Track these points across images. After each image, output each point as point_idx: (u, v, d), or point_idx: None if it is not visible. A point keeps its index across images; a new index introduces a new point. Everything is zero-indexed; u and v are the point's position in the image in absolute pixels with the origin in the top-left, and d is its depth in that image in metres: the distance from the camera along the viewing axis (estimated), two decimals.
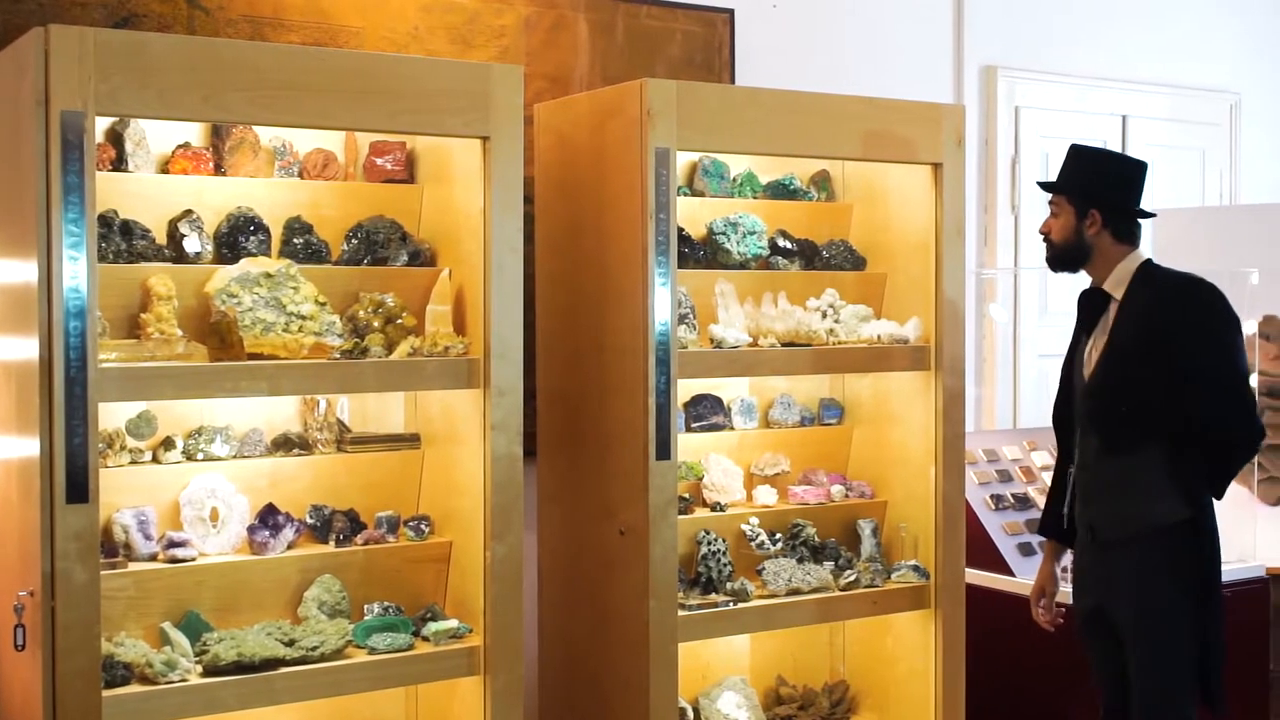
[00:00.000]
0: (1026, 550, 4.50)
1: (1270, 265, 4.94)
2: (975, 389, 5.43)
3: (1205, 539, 3.50)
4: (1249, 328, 4.72)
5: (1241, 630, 4.51)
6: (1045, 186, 3.68)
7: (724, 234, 4.02)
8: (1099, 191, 3.57)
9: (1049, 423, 3.79)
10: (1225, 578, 4.39)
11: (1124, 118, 5.91)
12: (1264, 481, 5.06)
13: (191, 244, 3.28)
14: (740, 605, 3.78)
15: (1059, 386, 3.75)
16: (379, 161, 3.60)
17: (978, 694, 4.20)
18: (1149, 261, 3.58)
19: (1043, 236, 3.67)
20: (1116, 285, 3.58)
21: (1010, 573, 4.46)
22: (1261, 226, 5.37)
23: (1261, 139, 6.47)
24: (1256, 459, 4.92)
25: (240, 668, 3.09)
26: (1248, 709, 4.58)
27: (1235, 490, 4.77)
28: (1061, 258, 3.63)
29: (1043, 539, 3.91)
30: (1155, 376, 3.45)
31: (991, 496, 4.69)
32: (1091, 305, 3.65)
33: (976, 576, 4.44)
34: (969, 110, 5.31)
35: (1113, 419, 3.52)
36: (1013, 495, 4.71)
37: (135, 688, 3.01)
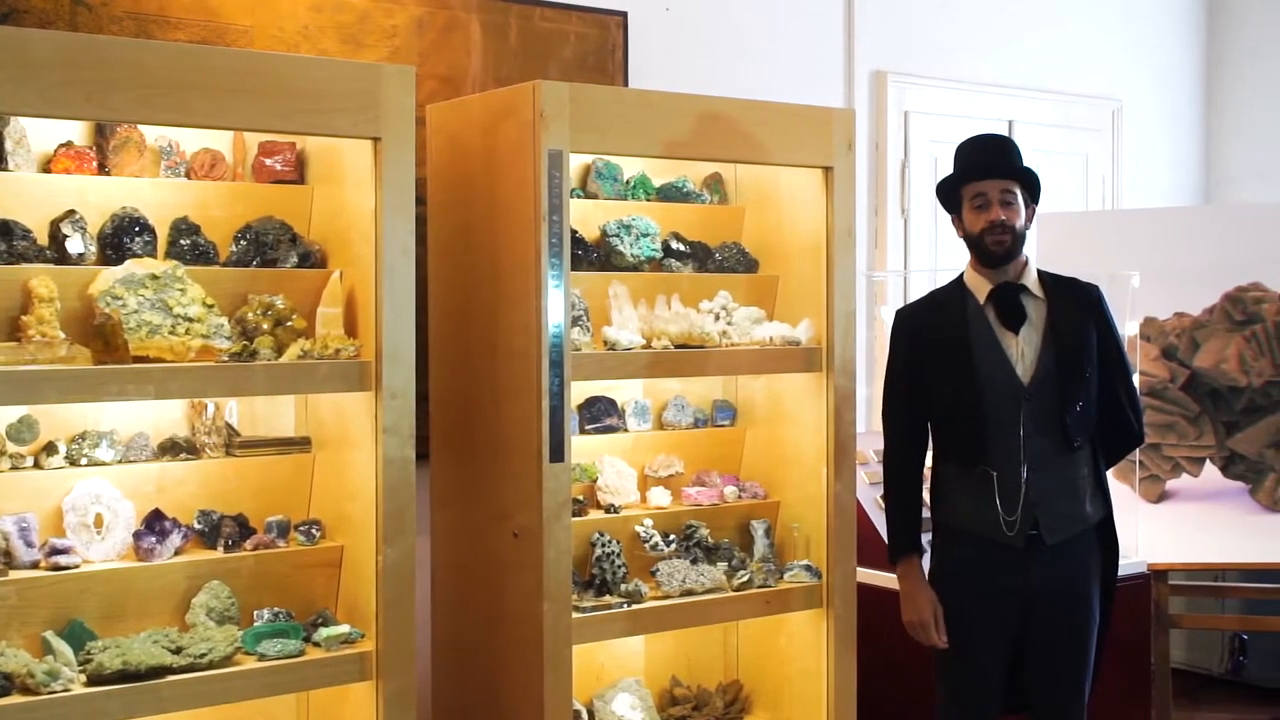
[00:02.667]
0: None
1: (1151, 268, 5.06)
2: (866, 390, 5.49)
3: (1115, 535, 3.68)
4: (1131, 329, 4.85)
5: (1124, 626, 4.60)
6: (1004, 172, 3.52)
7: (617, 236, 4.03)
8: (1039, 187, 3.58)
9: None
10: None
11: (1010, 123, 6.01)
12: (1145, 479, 5.18)
13: (74, 245, 3.22)
14: (634, 607, 3.79)
15: (939, 386, 3.62)
16: (268, 162, 3.55)
17: (869, 691, 4.24)
18: None
19: (995, 225, 3.49)
20: (1033, 283, 3.58)
21: None
22: (1142, 230, 5.50)
23: (1142, 145, 6.63)
24: (1139, 457, 5.05)
25: (126, 676, 3.03)
26: (1130, 704, 4.68)
27: (1118, 488, 4.88)
28: (1015, 250, 3.51)
29: (908, 556, 3.70)
30: (1094, 375, 3.56)
31: (882, 496, 4.73)
32: (1009, 303, 3.55)
33: (868, 575, 4.48)
34: (859, 115, 5.38)
35: (1072, 418, 3.50)
36: None
37: (16, 698, 2.94)
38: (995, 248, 3.51)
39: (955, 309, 3.61)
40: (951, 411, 3.62)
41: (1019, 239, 3.53)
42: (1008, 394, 3.51)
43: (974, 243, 3.56)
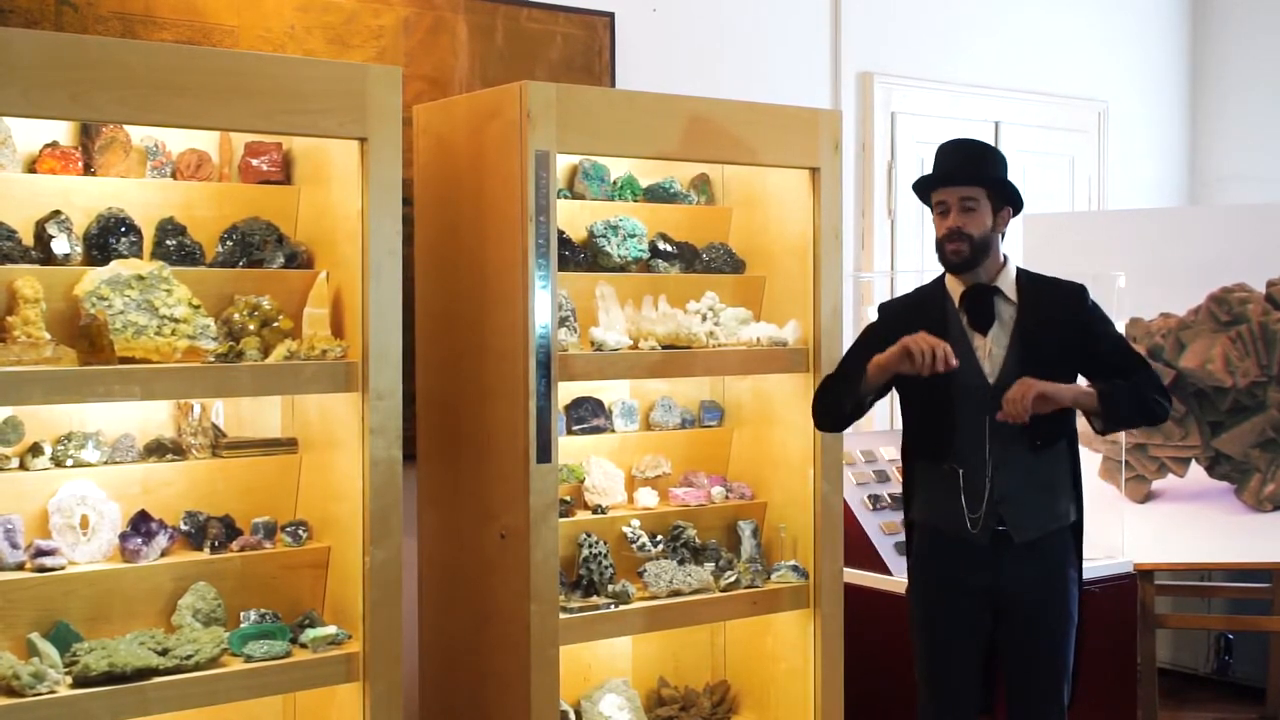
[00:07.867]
0: (904, 549, 4.55)
1: (1136, 269, 5.07)
2: None
3: (1082, 539, 3.66)
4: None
5: (1110, 626, 4.61)
6: (965, 180, 3.49)
7: (604, 237, 4.03)
8: (1012, 189, 3.55)
9: None
10: (1095, 574, 4.53)
11: (996, 124, 6.02)
12: (1131, 479, 5.19)
13: (60, 245, 3.21)
14: (622, 607, 3.79)
15: (913, 384, 3.54)
16: (254, 162, 3.54)
17: (856, 691, 4.25)
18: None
19: (952, 232, 3.48)
20: (1007, 285, 3.57)
21: (888, 572, 4.52)
22: (1127, 231, 5.51)
23: (1127, 146, 6.64)
24: (1125, 458, 5.06)
25: (112, 678, 3.03)
26: (1116, 704, 4.69)
27: (1103, 488, 4.91)
28: (975, 258, 3.50)
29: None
30: (1070, 375, 3.56)
31: (869, 497, 4.75)
32: (979, 305, 3.56)
33: (854, 576, 4.49)
34: (846, 116, 5.37)
35: (1040, 417, 3.47)
36: (890, 495, 4.78)
37: (1, 701, 2.93)
38: (952, 256, 3.52)
39: (935, 310, 3.61)
40: (923, 410, 3.63)
41: (978, 247, 3.50)
42: (976, 394, 3.52)
43: (937, 249, 3.58)
